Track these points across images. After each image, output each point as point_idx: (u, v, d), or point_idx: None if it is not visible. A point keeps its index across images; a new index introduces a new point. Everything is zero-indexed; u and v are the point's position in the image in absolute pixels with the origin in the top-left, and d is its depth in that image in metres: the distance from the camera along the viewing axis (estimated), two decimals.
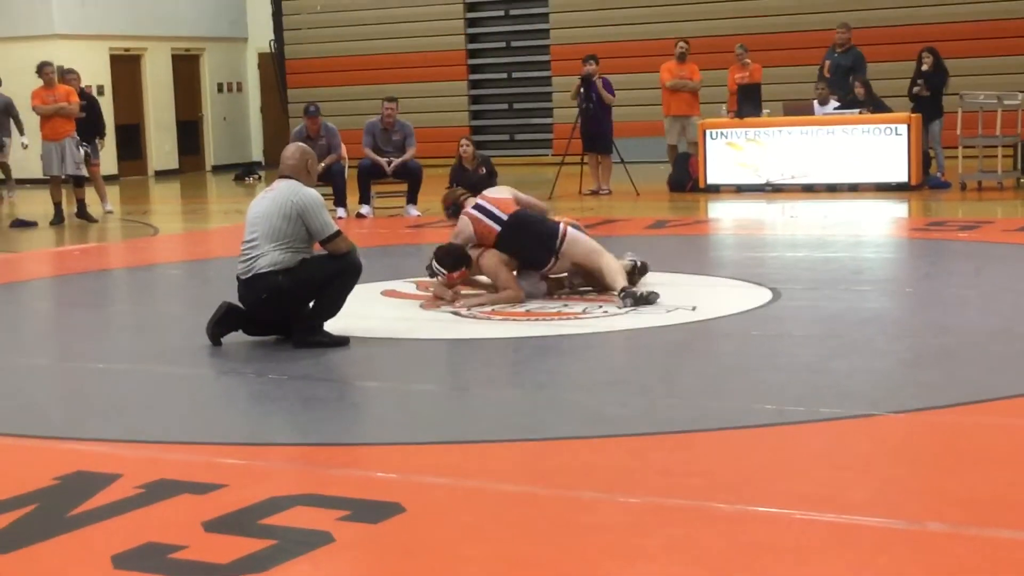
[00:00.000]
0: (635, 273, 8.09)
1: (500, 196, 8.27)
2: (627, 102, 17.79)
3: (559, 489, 4.27)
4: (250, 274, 6.92)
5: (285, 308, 6.93)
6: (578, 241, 8.03)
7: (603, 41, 20.81)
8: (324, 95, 22.26)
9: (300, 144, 7.27)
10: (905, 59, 17.13)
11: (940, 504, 4.02)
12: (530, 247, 8.03)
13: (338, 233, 6.90)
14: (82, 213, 15.03)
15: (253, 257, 6.93)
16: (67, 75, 15.87)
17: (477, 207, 8.12)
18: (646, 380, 6.07)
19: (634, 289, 7.73)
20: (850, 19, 19.33)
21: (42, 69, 15.17)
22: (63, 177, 14.95)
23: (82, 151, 15.23)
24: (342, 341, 6.87)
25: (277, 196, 6.91)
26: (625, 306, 7.59)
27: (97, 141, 16.15)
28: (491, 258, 7.98)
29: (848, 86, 15.61)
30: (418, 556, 3.70)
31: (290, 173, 7.01)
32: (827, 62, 16.18)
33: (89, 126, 15.82)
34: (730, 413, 5.24)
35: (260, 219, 6.92)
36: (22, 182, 20.30)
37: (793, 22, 17.77)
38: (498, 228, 8.00)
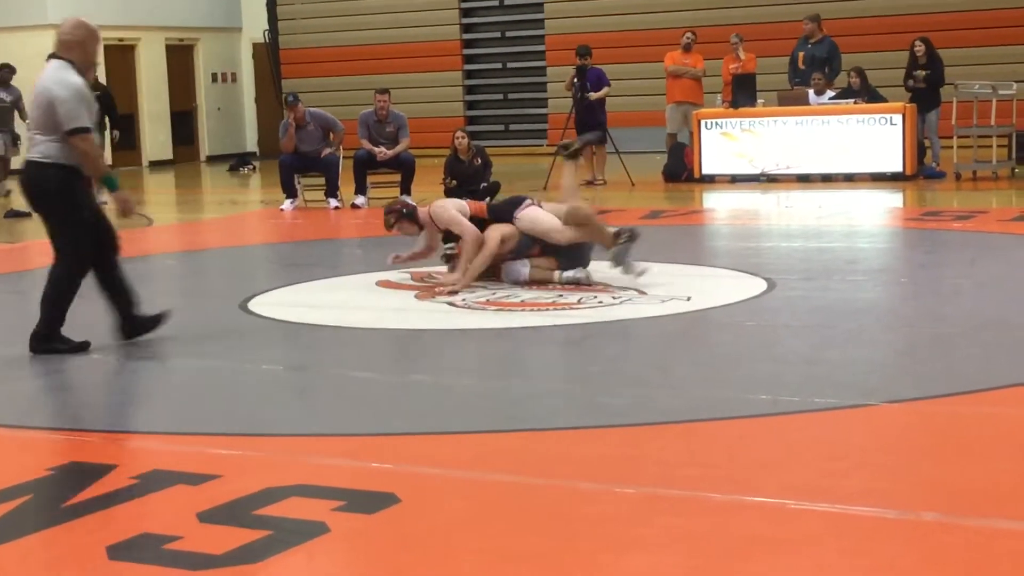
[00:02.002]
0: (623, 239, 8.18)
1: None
2: (621, 92, 17.78)
3: (554, 479, 4.27)
4: (29, 158, 6.44)
5: (47, 213, 6.43)
6: (536, 216, 8.33)
7: (598, 31, 20.78)
8: (318, 85, 22.26)
9: (81, 19, 6.55)
10: (900, 48, 17.13)
11: (934, 494, 4.03)
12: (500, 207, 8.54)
13: (83, 130, 6.18)
14: None
15: (34, 144, 6.41)
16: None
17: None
18: (641, 370, 6.06)
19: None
20: (844, 9, 19.40)
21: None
22: None
23: None
24: (82, 346, 6.53)
25: (41, 81, 6.30)
26: (621, 242, 8.02)
27: (108, 133, 16.13)
28: (444, 208, 8.42)
29: (822, 75, 15.67)
30: (413, 546, 3.70)
31: (62, 52, 6.32)
32: (800, 53, 16.21)
33: (101, 117, 15.79)
34: (725, 403, 5.24)
35: (32, 106, 6.37)
36: (17, 172, 20.27)
37: (788, 12, 17.77)
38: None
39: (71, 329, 6.61)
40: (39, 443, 5.02)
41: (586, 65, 15.89)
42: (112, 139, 16.45)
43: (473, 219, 8.33)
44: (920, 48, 15.38)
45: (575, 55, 16.08)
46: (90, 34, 6.38)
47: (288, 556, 3.61)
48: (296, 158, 14.30)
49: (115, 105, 16.65)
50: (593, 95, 15.82)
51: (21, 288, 9.64)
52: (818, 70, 15.79)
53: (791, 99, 15.61)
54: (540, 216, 8.31)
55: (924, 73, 15.20)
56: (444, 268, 8.55)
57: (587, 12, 21.52)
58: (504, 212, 8.41)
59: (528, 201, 8.40)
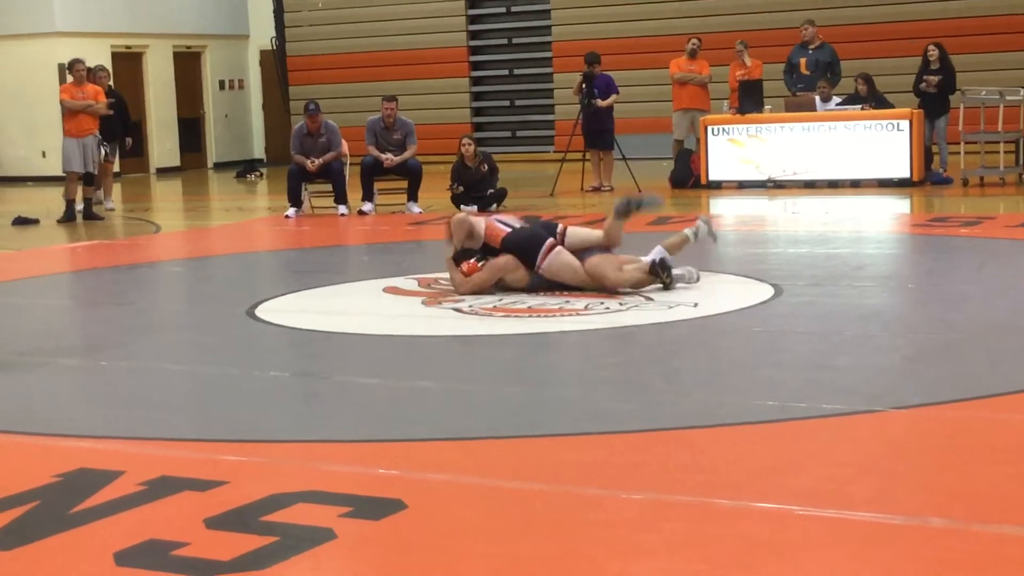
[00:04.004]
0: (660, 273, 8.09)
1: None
2: (628, 98, 17.79)
3: (560, 485, 4.27)
4: None
5: None
6: (576, 233, 8.29)
7: (604, 37, 20.80)
8: (326, 92, 22.28)
9: None
10: (907, 55, 17.15)
11: (942, 500, 4.02)
12: (527, 237, 8.24)
13: None
14: (89, 212, 15.03)
15: None
16: (98, 73, 15.91)
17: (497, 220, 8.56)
18: (648, 376, 6.06)
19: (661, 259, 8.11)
20: (850, 15, 19.40)
21: (73, 66, 15.25)
22: (80, 175, 14.95)
23: (103, 151, 15.35)
24: None
25: None
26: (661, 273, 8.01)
27: (122, 140, 16.22)
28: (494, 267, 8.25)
29: (827, 82, 15.72)
30: (420, 552, 3.70)
31: None
32: (802, 59, 16.22)
33: (115, 124, 15.86)
34: (732, 409, 5.24)
35: None
36: (23, 180, 20.31)
37: (793, 18, 17.77)
38: (508, 230, 8.31)
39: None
40: (46, 449, 5.02)
41: (593, 72, 15.90)
42: (126, 146, 16.53)
43: (485, 246, 8.30)
44: (934, 53, 15.38)
45: (584, 63, 16.08)
46: None
47: (295, 562, 3.61)
48: (303, 167, 14.34)
49: (128, 112, 16.78)
50: (600, 102, 15.83)
51: (21, 297, 9.66)
52: (822, 75, 15.81)
53: (798, 105, 15.61)
54: (567, 256, 8.14)
55: (937, 78, 15.20)
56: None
57: (593, 19, 21.53)
58: (526, 251, 8.18)
59: (550, 242, 8.17)
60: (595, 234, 8.35)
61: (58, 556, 3.76)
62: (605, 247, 8.23)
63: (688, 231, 8.55)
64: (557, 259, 8.10)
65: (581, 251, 8.16)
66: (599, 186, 16.13)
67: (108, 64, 22.37)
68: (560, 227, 8.31)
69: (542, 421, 5.24)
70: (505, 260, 8.17)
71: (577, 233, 8.31)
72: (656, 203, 8.76)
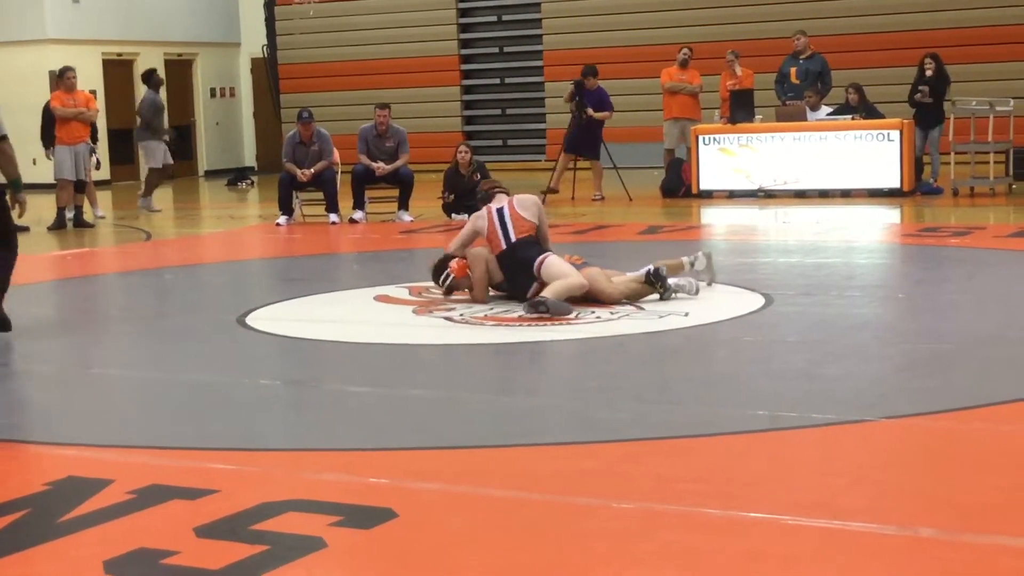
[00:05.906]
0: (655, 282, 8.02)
1: (523, 215, 8.35)
2: (619, 107, 17.81)
3: (552, 495, 4.26)
4: None
5: None
6: (552, 265, 8.01)
7: (595, 47, 20.82)
8: (317, 100, 22.28)
9: None
10: (897, 65, 17.18)
11: (933, 510, 4.02)
12: (515, 276, 8.15)
13: (3, 138, 7.27)
14: (79, 219, 15.01)
15: None
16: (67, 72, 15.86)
17: (499, 212, 8.33)
18: (639, 386, 6.06)
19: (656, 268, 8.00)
20: (841, 25, 19.45)
21: (64, 74, 15.25)
22: (73, 182, 14.92)
23: (95, 158, 15.33)
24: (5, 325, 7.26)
25: None
26: (655, 281, 7.91)
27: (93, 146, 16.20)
28: (477, 258, 8.25)
29: (817, 90, 15.77)
30: (410, 562, 3.69)
31: None
32: (792, 68, 16.28)
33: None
34: (723, 419, 5.24)
35: None
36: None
37: (784, 28, 17.82)
38: (504, 247, 8.19)
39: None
40: (36, 458, 5.01)
41: (583, 82, 15.90)
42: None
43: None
44: (930, 65, 15.39)
45: (580, 74, 16.05)
46: None
47: (285, 571, 3.60)
48: (294, 176, 14.33)
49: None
50: (594, 113, 15.84)
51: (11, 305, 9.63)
52: (811, 85, 15.85)
53: (788, 115, 15.64)
54: (556, 265, 8.02)
55: (928, 88, 15.21)
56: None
57: (585, 28, 21.56)
58: (522, 261, 8.12)
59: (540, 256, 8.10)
60: (574, 277, 7.91)
61: (48, 564, 3.75)
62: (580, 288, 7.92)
63: (686, 259, 8.51)
64: (556, 263, 8.02)
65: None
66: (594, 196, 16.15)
67: (99, 71, 22.45)
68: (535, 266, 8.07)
69: (533, 430, 5.23)
70: (481, 250, 8.24)
71: (552, 268, 8.01)
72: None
